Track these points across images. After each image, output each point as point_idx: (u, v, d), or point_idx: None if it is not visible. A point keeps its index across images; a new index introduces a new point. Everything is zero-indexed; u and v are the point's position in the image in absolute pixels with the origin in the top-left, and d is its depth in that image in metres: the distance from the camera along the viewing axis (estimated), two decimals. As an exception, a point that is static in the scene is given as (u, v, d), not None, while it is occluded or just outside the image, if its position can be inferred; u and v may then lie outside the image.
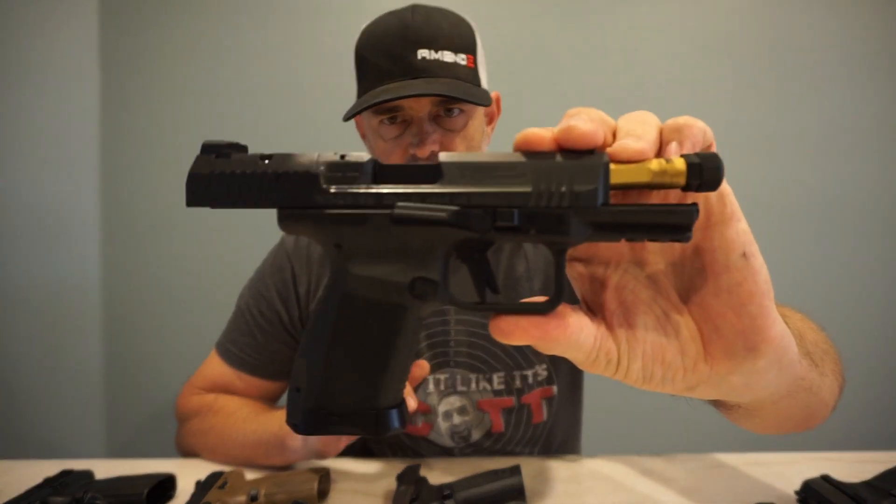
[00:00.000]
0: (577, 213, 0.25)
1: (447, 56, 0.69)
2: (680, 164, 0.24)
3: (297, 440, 0.67)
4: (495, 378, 0.80)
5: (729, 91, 1.57)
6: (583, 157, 0.25)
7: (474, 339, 0.80)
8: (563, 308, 0.26)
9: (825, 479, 0.59)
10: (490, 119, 0.82)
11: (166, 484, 0.65)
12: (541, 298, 0.27)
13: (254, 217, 1.62)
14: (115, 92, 1.64)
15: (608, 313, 0.28)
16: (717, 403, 0.43)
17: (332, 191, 0.26)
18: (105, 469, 0.69)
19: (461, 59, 0.70)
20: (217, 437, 0.75)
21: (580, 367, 0.28)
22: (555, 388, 0.83)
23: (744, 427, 0.48)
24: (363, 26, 0.75)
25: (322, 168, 0.27)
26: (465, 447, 0.81)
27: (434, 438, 0.81)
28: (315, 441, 0.67)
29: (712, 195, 0.26)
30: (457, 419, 0.80)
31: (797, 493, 0.60)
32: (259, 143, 1.78)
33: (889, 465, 0.60)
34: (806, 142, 1.56)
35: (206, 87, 1.63)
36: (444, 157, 0.26)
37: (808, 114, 1.56)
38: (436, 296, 0.26)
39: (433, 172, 0.26)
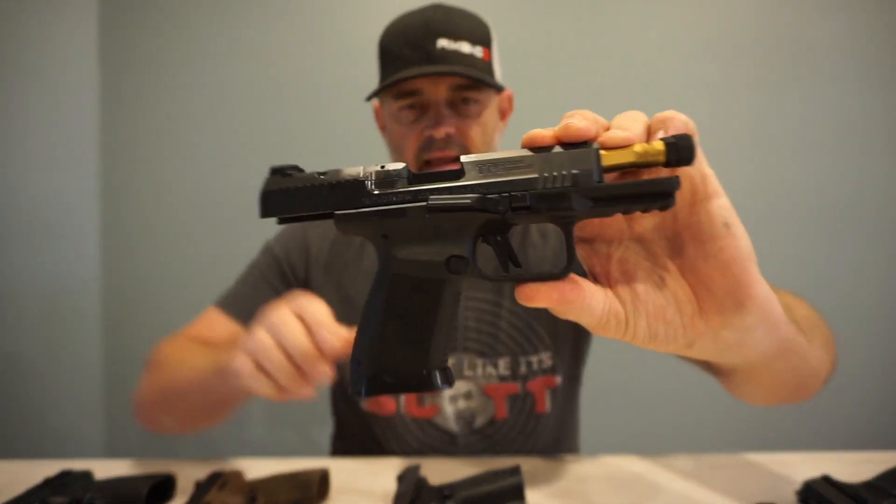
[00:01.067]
0: (578, 190, 0.30)
1: (465, 47, 0.74)
2: (659, 144, 0.30)
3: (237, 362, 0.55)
4: (501, 363, 0.81)
5: (730, 91, 1.57)
6: (579, 147, 0.30)
7: (482, 324, 0.81)
8: (575, 276, 0.31)
9: (826, 479, 0.59)
10: (503, 115, 0.85)
11: (166, 484, 0.65)
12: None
13: (254, 217, 1.62)
14: (115, 92, 1.64)
15: (613, 281, 0.33)
16: (717, 373, 0.49)
17: (377, 192, 0.33)
18: (105, 469, 0.69)
19: (478, 50, 0.75)
20: (166, 378, 0.73)
21: (593, 331, 0.32)
22: (558, 379, 0.84)
23: (742, 398, 0.53)
24: (384, 25, 0.81)
25: (368, 176, 0.33)
26: (469, 433, 0.82)
27: (440, 422, 0.81)
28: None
29: (696, 176, 0.31)
30: (462, 404, 0.81)
31: (798, 493, 0.60)
32: (259, 143, 1.79)
33: (890, 466, 0.60)
34: (806, 141, 1.56)
35: (205, 86, 1.63)
36: (464, 158, 0.32)
37: (808, 114, 1.56)
38: (468, 270, 0.32)
39: (456, 174, 0.32)
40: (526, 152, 0.31)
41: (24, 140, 1.38)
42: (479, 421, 0.82)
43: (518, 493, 0.58)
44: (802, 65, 1.56)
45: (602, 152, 0.30)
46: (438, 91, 0.74)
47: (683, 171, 0.30)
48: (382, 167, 0.33)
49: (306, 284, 0.87)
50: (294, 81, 1.61)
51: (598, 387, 1.48)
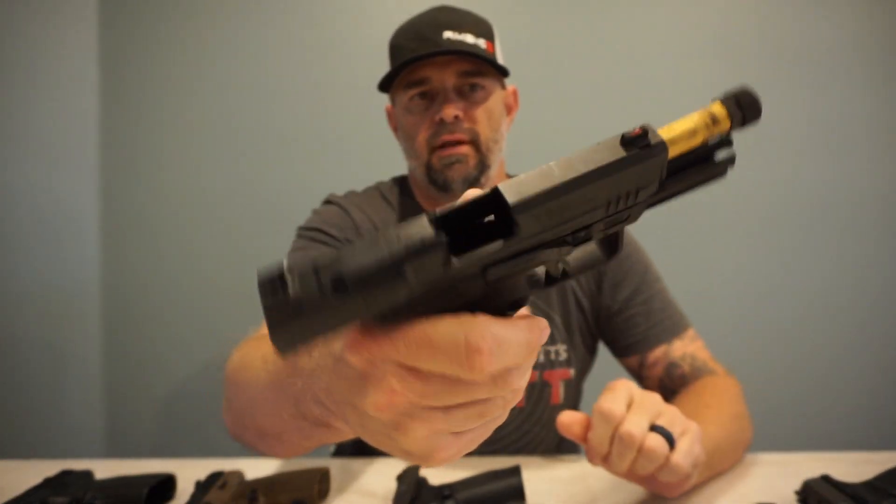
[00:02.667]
0: (642, 203, 0.27)
1: (469, 38, 0.78)
2: (718, 108, 0.27)
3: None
4: None
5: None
6: (642, 150, 0.25)
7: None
8: None
9: (825, 479, 0.59)
10: (509, 111, 0.88)
11: (166, 484, 0.65)
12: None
13: (253, 217, 1.62)
14: (115, 92, 1.64)
15: None
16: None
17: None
18: (105, 469, 0.69)
19: (481, 42, 0.79)
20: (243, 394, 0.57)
21: None
22: (572, 372, 0.86)
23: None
24: (387, 24, 0.86)
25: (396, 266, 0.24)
26: None
27: None
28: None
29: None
30: None
31: (797, 493, 0.60)
32: (260, 143, 1.79)
33: (889, 466, 0.60)
34: (807, 141, 1.56)
35: (205, 86, 1.63)
36: (503, 187, 0.24)
37: (809, 113, 1.56)
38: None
39: (506, 226, 0.24)
40: (581, 170, 0.24)
41: (24, 140, 1.38)
42: None
43: (518, 493, 0.58)
44: (803, 65, 1.56)
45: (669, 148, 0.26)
46: (446, 78, 0.78)
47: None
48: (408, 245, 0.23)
49: None
50: (294, 81, 1.61)
51: (599, 387, 1.48)
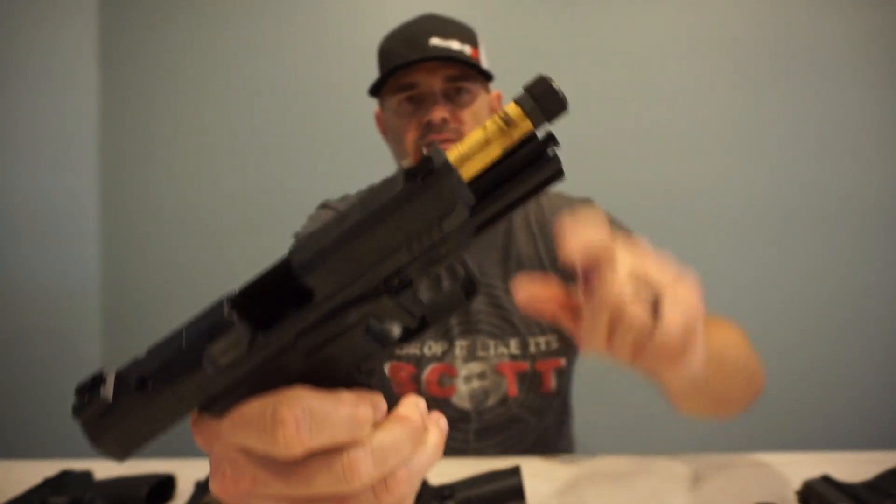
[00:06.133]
0: (452, 236, 0.23)
1: (455, 44, 0.81)
2: (513, 109, 0.24)
3: None
4: (512, 343, 0.85)
5: (731, 91, 1.56)
6: (427, 176, 0.22)
7: (492, 307, 0.85)
8: None
9: (826, 479, 0.59)
10: (493, 114, 0.87)
11: (166, 484, 0.65)
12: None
13: (252, 216, 1.62)
14: (115, 92, 1.64)
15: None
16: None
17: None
18: (105, 469, 0.69)
19: (467, 48, 0.82)
20: None
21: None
22: (563, 361, 0.87)
23: (681, 409, 0.58)
24: (385, 26, 0.87)
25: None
26: (482, 411, 0.86)
27: (456, 401, 0.85)
28: None
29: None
30: (476, 383, 0.86)
31: (798, 493, 0.60)
32: (259, 143, 1.78)
33: (890, 466, 0.60)
34: (808, 141, 1.56)
35: (205, 86, 1.63)
36: (294, 249, 0.23)
37: (809, 113, 1.56)
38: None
39: (300, 294, 0.23)
40: (360, 216, 0.22)
41: (24, 140, 1.38)
42: (492, 400, 0.86)
43: (518, 493, 0.58)
44: (803, 65, 1.56)
45: (459, 168, 0.23)
46: (433, 82, 0.81)
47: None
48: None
49: None
50: (295, 81, 1.61)
51: (599, 386, 1.48)
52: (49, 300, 1.45)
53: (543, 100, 0.23)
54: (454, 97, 0.82)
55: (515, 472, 0.60)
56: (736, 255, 1.56)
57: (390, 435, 0.24)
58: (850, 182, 1.55)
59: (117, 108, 1.64)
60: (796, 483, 0.61)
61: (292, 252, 0.23)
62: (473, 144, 0.23)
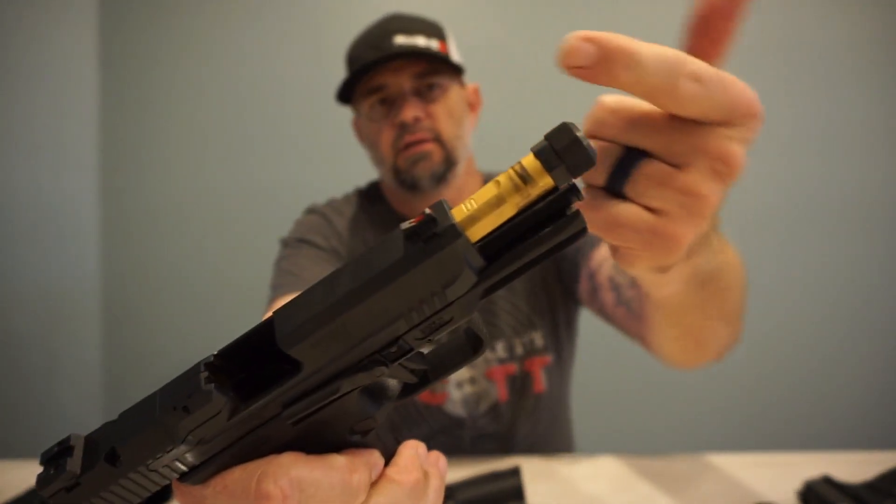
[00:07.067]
0: (461, 305, 0.21)
1: (420, 41, 0.79)
2: (531, 162, 0.20)
3: None
4: (499, 346, 0.84)
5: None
6: (431, 240, 0.20)
7: (479, 311, 0.82)
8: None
9: (826, 479, 0.59)
10: (472, 108, 0.89)
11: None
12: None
13: (252, 216, 1.62)
14: (115, 92, 1.64)
15: None
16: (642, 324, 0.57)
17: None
18: (105, 469, 0.69)
19: (433, 43, 0.80)
20: None
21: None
22: (550, 357, 0.87)
23: (659, 353, 0.58)
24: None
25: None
26: (477, 417, 0.85)
27: (449, 408, 0.84)
28: None
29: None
30: (467, 389, 0.85)
31: (798, 493, 0.60)
32: (259, 143, 1.78)
33: (890, 466, 0.60)
34: (812, 141, 1.56)
35: (204, 87, 1.63)
36: (277, 315, 0.21)
37: (814, 114, 1.56)
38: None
39: (289, 366, 0.21)
40: (354, 284, 0.20)
41: (24, 140, 1.38)
42: (484, 405, 0.85)
43: (518, 493, 0.58)
44: (803, 65, 1.56)
45: (467, 230, 0.20)
46: (402, 82, 0.79)
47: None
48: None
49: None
50: (294, 82, 1.61)
51: (598, 386, 1.48)
52: (49, 300, 1.45)
53: (568, 154, 0.19)
54: (425, 93, 0.80)
55: (515, 472, 0.60)
56: (736, 255, 1.56)
57: (388, 499, 0.22)
58: (854, 182, 1.55)
59: (117, 108, 1.64)
60: (796, 483, 0.61)
61: (276, 317, 0.21)
62: (484, 204, 0.20)
